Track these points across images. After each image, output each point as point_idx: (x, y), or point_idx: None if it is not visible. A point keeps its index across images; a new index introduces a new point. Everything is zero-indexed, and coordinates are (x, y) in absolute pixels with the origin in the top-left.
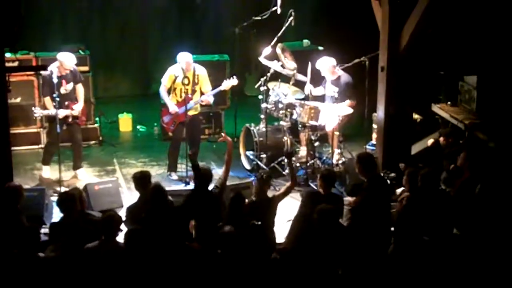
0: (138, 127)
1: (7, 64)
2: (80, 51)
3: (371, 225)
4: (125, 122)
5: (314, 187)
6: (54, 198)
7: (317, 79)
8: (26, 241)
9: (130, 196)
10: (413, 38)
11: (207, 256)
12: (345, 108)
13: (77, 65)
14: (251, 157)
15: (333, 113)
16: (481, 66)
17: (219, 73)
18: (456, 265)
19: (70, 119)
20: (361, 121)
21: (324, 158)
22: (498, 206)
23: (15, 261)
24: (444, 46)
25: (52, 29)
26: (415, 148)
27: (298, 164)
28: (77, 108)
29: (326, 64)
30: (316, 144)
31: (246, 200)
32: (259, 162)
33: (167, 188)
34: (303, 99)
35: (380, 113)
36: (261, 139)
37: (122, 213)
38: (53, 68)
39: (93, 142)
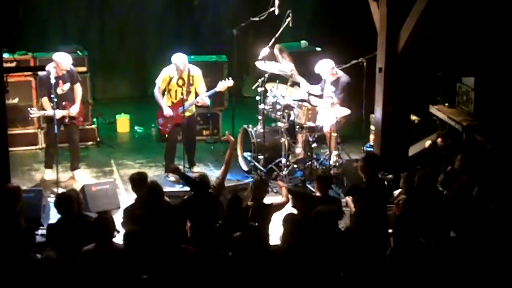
0: (135, 128)
1: (5, 65)
2: (78, 51)
3: (369, 227)
4: (123, 123)
5: (312, 188)
6: (51, 199)
7: (315, 79)
8: (22, 242)
9: (127, 197)
10: (411, 40)
11: (203, 258)
12: (342, 109)
13: (75, 65)
14: (249, 158)
15: (331, 114)
16: (479, 68)
17: (217, 74)
18: (454, 268)
19: (67, 120)
20: (358, 122)
21: (322, 159)
22: (496, 208)
23: (10, 262)
24: (442, 48)
25: (51, 29)
26: (413, 150)
27: (295, 166)
28: (74, 108)
29: (325, 67)
30: (314, 145)
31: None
32: (256, 163)
33: (164, 189)
34: (300, 100)
35: (377, 114)
36: (258, 140)
37: (120, 215)
38: (51, 69)
39: (90, 143)
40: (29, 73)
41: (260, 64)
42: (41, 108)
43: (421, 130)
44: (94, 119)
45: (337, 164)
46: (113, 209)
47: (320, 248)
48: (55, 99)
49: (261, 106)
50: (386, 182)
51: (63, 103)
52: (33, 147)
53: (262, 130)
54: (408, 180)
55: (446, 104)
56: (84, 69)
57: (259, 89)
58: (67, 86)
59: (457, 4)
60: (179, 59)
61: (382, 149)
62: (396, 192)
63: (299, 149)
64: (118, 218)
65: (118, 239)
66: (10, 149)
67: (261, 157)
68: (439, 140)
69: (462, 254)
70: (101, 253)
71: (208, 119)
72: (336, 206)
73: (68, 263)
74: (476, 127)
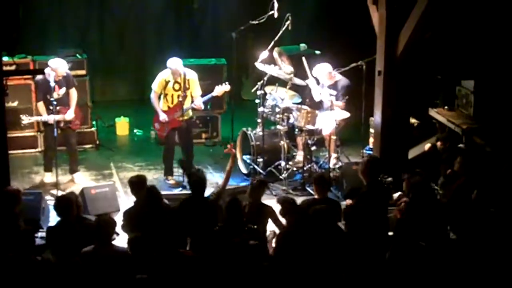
0: (135, 131)
1: (5, 68)
2: (77, 55)
3: (368, 230)
4: (122, 126)
5: (311, 191)
6: (51, 202)
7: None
8: (21, 244)
9: (127, 200)
10: (411, 43)
11: (201, 263)
12: (342, 112)
13: (74, 69)
14: (248, 161)
15: (330, 118)
16: (479, 71)
17: (216, 77)
18: (453, 270)
19: (62, 124)
20: (358, 125)
21: (321, 162)
22: (495, 211)
23: (10, 264)
24: (441, 51)
25: (50, 33)
26: (412, 153)
27: (294, 169)
28: (69, 114)
29: (323, 71)
30: (313, 148)
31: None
32: (255, 166)
33: (163, 192)
34: (300, 103)
35: (377, 117)
36: (258, 143)
37: (119, 217)
38: (50, 72)
39: (90, 146)
40: (29, 76)
41: (259, 65)
42: (37, 112)
43: (420, 133)
44: (94, 122)
45: (337, 167)
46: (112, 212)
47: (319, 247)
48: (55, 103)
49: (260, 109)
50: (385, 185)
51: (58, 107)
52: (33, 150)
53: (261, 133)
54: (410, 183)
55: (446, 107)
56: (83, 72)
57: (259, 92)
58: (62, 90)
59: (456, 7)
60: (174, 63)
61: (382, 152)
62: (396, 195)
63: (300, 157)
64: (117, 221)
65: (118, 241)
66: (10, 152)
67: (260, 160)
68: (438, 143)
69: (461, 257)
70: (100, 255)
71: (207, 122)
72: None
73: (67, 265)
74: (476, 130)
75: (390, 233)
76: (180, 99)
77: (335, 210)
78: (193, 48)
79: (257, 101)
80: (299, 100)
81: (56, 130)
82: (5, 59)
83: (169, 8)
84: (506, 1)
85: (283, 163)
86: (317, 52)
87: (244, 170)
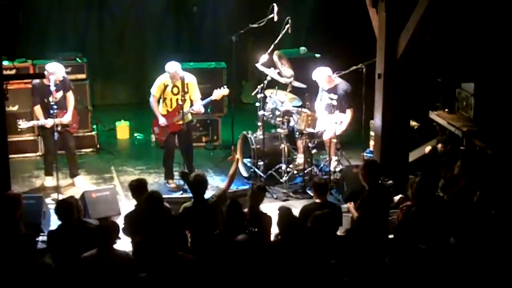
0: (135, 134)
1: (5, 72)
2: (77, 59)
3: (369, 233)
4: (123, 129)
5: (311, 194)
6: (52, 206)
7: (314, 85)
8: (22, 248)
9: (127, 203)
10: (410, 45)
11: (201, 265)
12: (342, 118)
13: (74, 73)
14: (249, 164)
15: (331, 122)
16: (479, 73)
17: (216, 81)
18: (453, 274)
19: (60, 128)
20: (358, 128)
21: (322, 165)
22: (496, 214)
23: (11, 268)
24: (441, 53)
25: (50, 37)
26: (413, 156)
27: (295, 172)
28: (66, 117)
29: (322, 75)
30: (314, 151)
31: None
32: (256, 170)
33: (164, 196)
34: (300, 106)
35: (377, 120)
36: (258, 146)
37: (120, 221)
38: (51, 76)
39: (90, 149)
40: (29, 80)
41: (261, 67)
42: (34, 116)
43: (421, 136)
44: (94, 126)
45: (337, 170)
46: (113, 215)
47: (319, 253)
48: (55, 106)
49: (260, 112)
50: (386, 188)
51: (51, 111)
52: (33, 154)
53: (261, 136)
54: (413, 185)
55: (446, 109)
56: (83, 76)
57: (259, 96)
58: (60, 94)
59: (456, 9)
60: (173, 67)
61: (382, 155)
62: (396, 198)
63: (300, 160)
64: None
65: (119, 245)
66: (10, 156)
67: (261, 163)
68: (439, 145)
69: (462, 260)
70: (103, 259)
71: (207, 125)
72: (334, 212)
73: (68, 269)
74: (476, 132)
75: (391, 236)
76: (180, 102)
77: (336, 215)
78: (193, 52)
79: (257, 104)
80: (299, 103)
81: (55, 134)
82: (5, 63)
83: (168, 11)
84: (506, 3)
85: (283, 166)
86: (317, 55)
87: (244, 174)
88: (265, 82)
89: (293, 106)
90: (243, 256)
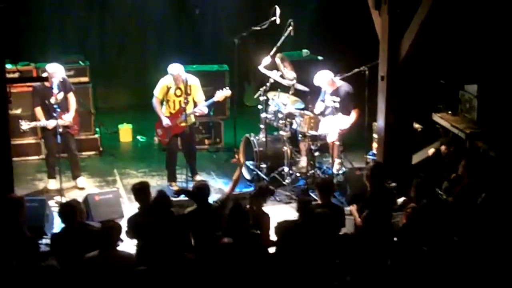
0: (138, 137)
1: (8, 75)
2: (80, 61)
3: (372, 235)
4: (125, 132)
5: (315, 197)
6: (55, 209)
7: (316, 88)
8: (25, 251)
9: (130, 206)
10: (413, 47)
11: (203, 266)
12: (346, 119)
13: (77, 76)
14: (251, 167)
15: (334, 125)
16: (482, 75)
17: (219, 83)
18: (456, 275)
19: (61, 129)
20: (361, 130)
21: (325, 168)
22: (499, 216)
23: (14, 272)
24: (444, 55)
25: (52, 40)
26: (416, 158)
27: (298, 174)
28: (67, 116)
29: (324, 78)
30: (316, 154)
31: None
32: (259, 172)
33: None
34: (302, 109)
35: (380, 122)
36: (261, 149)
37: (123, 224)
38: (54, 79)
39: (93, 152)
40: (32, 83)
41: (263, 69)
42: (35, 118)
43: (424, 138)
44: (97, 129)
45: (340, 172)
46: (116, 218)
47: (320, 253)
48: (58, 109)
49: (263, 115)
50: (389, 190)
51: (54, 113)
52: (36, 157)
53: (264, 139)
54: (418, 189)
55: (449, 111)
56: (86, 79)
57: (261, 98)
58: (61, 95)
59: (459, 11)
60: (176, 69)
61: (385, 157)
62: (400, 200)
63: (303, 162)
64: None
65: (122, 247)
66: (14, 159)
67: (263, 165)
68: (442, 147)
69: (464, 261)
70: (105, 260)
71: (210, 128)
72: (338, 213)
73: (72, 271)
74: (479, 134)
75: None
76: (183, 105)
77: (339, 218)
78: (195, 54)
79: (259, 107)
80: (302, 106)
81: (59, 136)
82: (8, 66)
83: (170, 14)
84: (508, 5)
85: (286, 169)
86: (320, 57)
87: (247, 176)
88: (268, 84)
89: (296, 109)
90: (229, 259)
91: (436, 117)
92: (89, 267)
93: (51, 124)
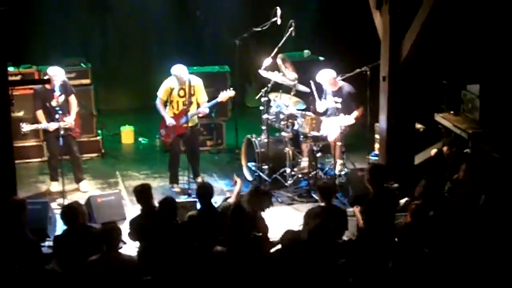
0: (140, 139)
1: (10, 78)
2: (81, 64)
3: (375, 236)
4: (127, 134)
5: (317, 197)
6: (58, 211)
7: (317, 88)
8: (27, 254)
9: (133, 208)
10: (415, 47)
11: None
12: (347, 118)
13: (79, 78)
14: (253, 168)
15: (336, 124)
16: (484, 75)
17: (220, 85)
18: (456, 277)
19: (62, 132)
20: (363, 131)
21: (326, 169)
22: (502, 217)
23: (17, 275)
24: (446, 55)
25: (54, 43)
26: (418, 158)
27: (300, 175)
28: (69, 118)
29: (327, 77)
30: (318, 154)
31: None
32: (261, 173)
33: None
34: (304, 109)
35: (382, 123)
36: (262, 150)
37: (125, 226)
38: (55, 82)
39: (95, 154)
40: (34, 86)
41: (263, 72)
42: (36, 121)
43: (426, 139)
44: (99, 131)
45: (342, 173)
46: (118, 220)
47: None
48: (60, 111)
49: (264, 116)
50: (392, 191)
51: (57, 115)
52: (39, 159)
53: (266, 140)
54: (424, 189)
55: (451, 112)
56: (88, 81)
57: (263, 99)
58: (62, 98)
59: (460, 11)
60: (179, 70)
61: (387, 158)
62: (402, 201)
63: (305, 163)
64: (124, 229)
65: (124, 250)
66: (16, 161)
67: (265, 167)
68: (444, 148)
69: (465, 262)
70: (107, 263)
71: (211, 129)
72: (340, 216)
73: (74, 274)
74: (482, 134)
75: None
76: (185, 106)
77: (342, 220)
78: (196, 56)
79: (261, 108)
80: (303, 107)
81: (61, 139)
82: (11, 69)
83: (171, 15)
84: (510, 4)
85: (288, 170)
86: (321, 58)
87: (249, 177)
88: (269, 85)
89: (297, 110)
90: (222, 268)
91: (438, 117)
92: (91, 270)
93: (51, 126)
